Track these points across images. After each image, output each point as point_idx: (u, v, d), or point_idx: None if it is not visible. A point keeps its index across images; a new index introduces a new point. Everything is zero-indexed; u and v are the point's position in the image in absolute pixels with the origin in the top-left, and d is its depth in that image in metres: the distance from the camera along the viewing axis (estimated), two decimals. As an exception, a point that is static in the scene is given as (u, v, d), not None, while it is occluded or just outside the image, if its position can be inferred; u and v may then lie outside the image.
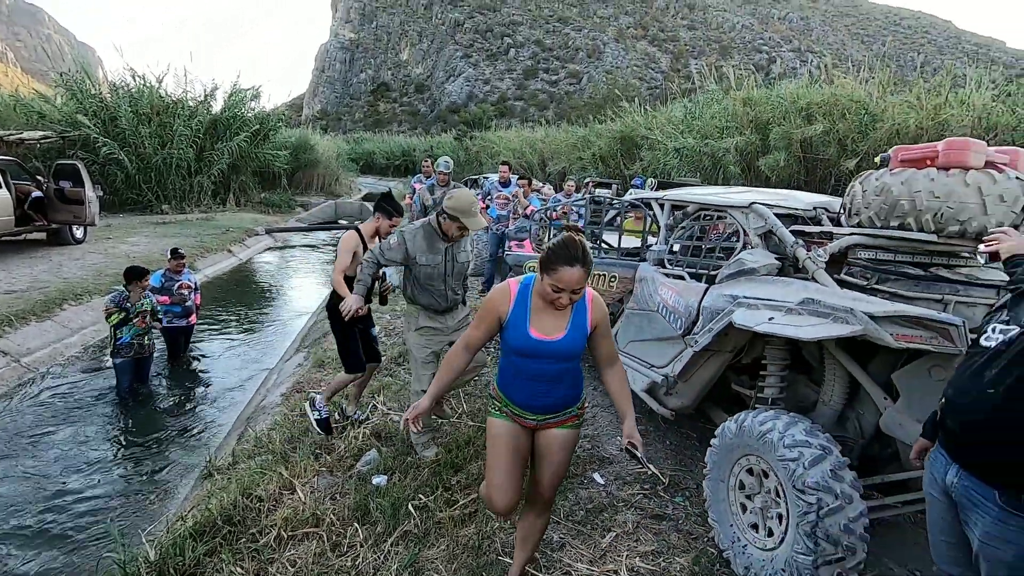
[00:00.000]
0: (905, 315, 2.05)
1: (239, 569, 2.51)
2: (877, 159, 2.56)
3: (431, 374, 3.26)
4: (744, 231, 3.02)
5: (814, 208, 3.06)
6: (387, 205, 3.64)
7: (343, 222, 19.70)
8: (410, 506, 2.86)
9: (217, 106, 18.49)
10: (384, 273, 3.75)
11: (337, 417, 3.95)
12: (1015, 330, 1.49)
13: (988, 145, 2.27)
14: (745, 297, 2.60)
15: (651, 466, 2.30)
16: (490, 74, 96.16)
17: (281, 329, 7.88)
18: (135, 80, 17.26)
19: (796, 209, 3.04)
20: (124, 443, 4.54)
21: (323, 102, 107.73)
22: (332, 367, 5.11)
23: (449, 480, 3.10)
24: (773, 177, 10.44)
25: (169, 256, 5.99)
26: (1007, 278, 1.71)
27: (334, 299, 3.60)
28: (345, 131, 65.53)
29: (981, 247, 1.63)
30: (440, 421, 3.85)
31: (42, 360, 6.10)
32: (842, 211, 2.79)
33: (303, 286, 10.81)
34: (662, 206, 3.78)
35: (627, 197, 4.71)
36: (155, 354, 5.59)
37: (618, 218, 5.12)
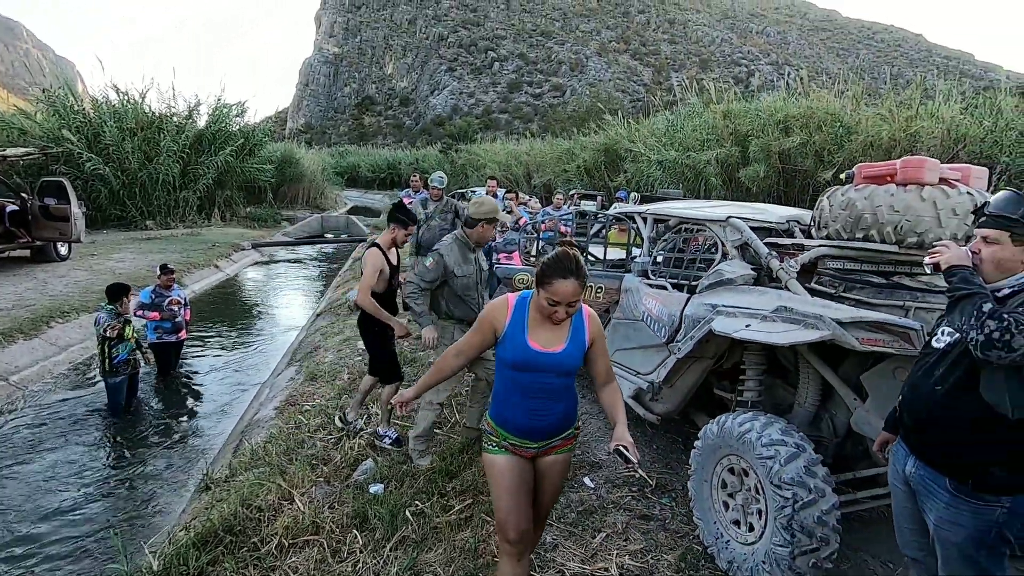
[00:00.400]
0: (869, 320, 2.21)
1: (242, 577, 2.59)
2: (843, 176, 2.74)
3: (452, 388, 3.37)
4: (722, 243, 3.19)
5: (787, 221, 3.24)
6: (401, 215, 3.73)
7: (329, 236, 19.72)
8: (407, 512, 2.95)
9: (201, 121, 18.48)
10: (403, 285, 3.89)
11: (338, 423, 4.02)
12: (958, 334, 1.65)
13: (959, 156, 2.47)
14: (724, 306, 2.76)
15: (639, 470, 2.38)
16: (475, 87, 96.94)
17: (271, 343, 7.91)
18: (118, 95, 17.23)
19: (770, 222, 3.22)
20: (120, 459, 4.57)
21: (307, 116, 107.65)
22: (324, 380, 5.18)
23: (444, 487, 3.20)
24: (754, 188, 10.72)
25: (159, 272, 6.03)
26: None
27: (365, 315, 3.67)
28: (330, 144, 65.47)
29: (926, 259, 1.78)
30: (435, 432, 3.95)
31: (30, 378, 6.09)
32: (812, 224, 2.97)
33: (291, 301, 10.84)
34: (645, 220, 3.94)
35: (612, 211, 4.88)
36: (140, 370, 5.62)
37: (603, 231, 5.29)
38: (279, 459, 3.71)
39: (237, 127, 19.23)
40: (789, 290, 2.71)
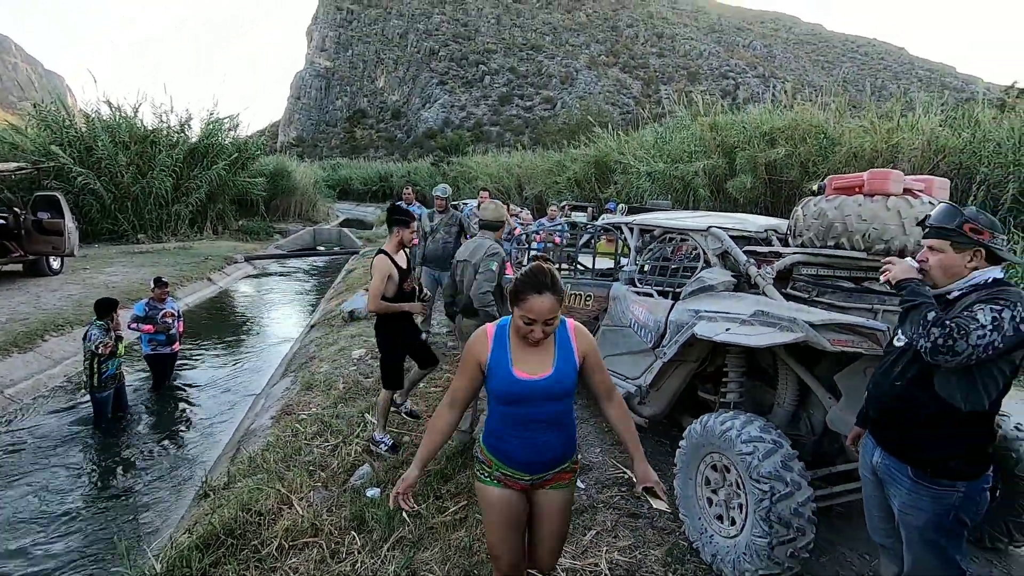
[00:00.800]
0: (839, 323, 2.36)
1: (243, 578, 2.67)
2: (815, 187, 2.90)
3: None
4: (704, 252, 3.34)
5: (765, 230, 3.40)
6: (400, 216, 3.82)
7: (321, 248, 19.81)
8: (404, 514, 3.04)
9: (194, 135, 18.58)
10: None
11: (403, 413, 4.24)
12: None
13: (939, 167, 2.64)
14: (706, 311, 2.90)
15: (629, 470, 2.36)
16: (466, 100, 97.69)
17: (265, 355, 7.97)
18: (111, 109, 17.32)
19: (749, 231, 3.38)
20: (118, 469, 4.63)
21: (299, 129, 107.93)
22: (320, 389, 5.26)
23: (440, 489, 3.29)
24: (741, 199, 10.95)
25: (152, 285, 6.10)
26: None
27: (381, 320, 3.80)
28: (321, 158, 65.63)
29: (881, 278, 1.92)
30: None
31: (25, 391, 6.12)
32: (788, 233, 3.12)
33: (284, 313, 10.90)
34: (632, 230, 4.09)
35: (599, 222, 5.04)
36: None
37: (592, 241, 5.43)
38: (277, 466, 3.78)
39: (229, 140, 19.34)
40: (766, 295, 2.86)
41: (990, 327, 1.60)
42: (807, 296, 2.82)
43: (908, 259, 1.91)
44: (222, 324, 9.75)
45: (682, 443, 2.81)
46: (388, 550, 2.82)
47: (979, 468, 1.79)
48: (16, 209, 10.08)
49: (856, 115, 11.58)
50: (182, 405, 6.06)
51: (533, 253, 7.89)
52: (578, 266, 5.09)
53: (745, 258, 3.06)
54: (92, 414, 5.34)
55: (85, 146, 15.92)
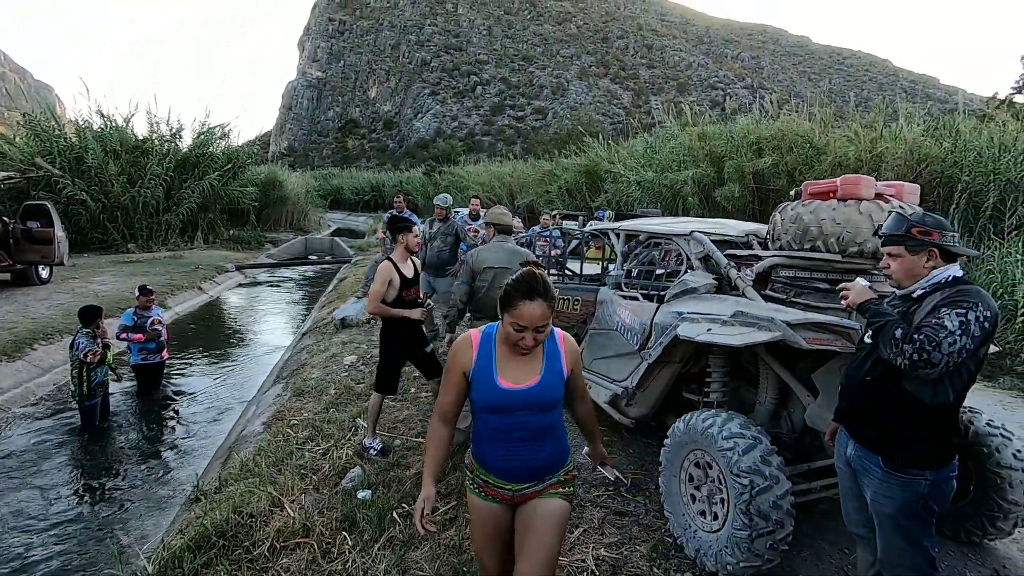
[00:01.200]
0: (815, 322, 2.45)
1: (235, 578, 2.70)
2: (791, 193, 3.01)
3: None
4: (687, 256, 3.44)
5: (746, 235, 3.50)
6: (401, 223, 3.89)
7: (313, 257, 19.81)
8: (395, 514, 3.09)
9: (185, 144, 18.58)
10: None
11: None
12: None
13: (920, 174, 2.75)
14: (688, 313, 2.98)
15: (617, 472, 2.46)
16: (457, 110, 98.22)
17: (256, 363, 7.98)
18: (102, 119, 17.31)
19: (730, 236, 3.48)
20: (108, 476, 4.63)
21: (290, 139, 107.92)
22: (311, 396, 5.29)
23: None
24: (729, 207, 11.11)
25: (137, 293, 6.11)
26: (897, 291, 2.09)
27: (384, 325, 3.87)
28: (313, 167, 65.61)
29: (843, 303, 2.01)
30: (419, 441, 4.09)
31: (14, 400, 6.10)
32: (768, 237, 3.22)
33: (275, 322, 10.89)
34: (618, 235, 4.18)
35: (587, 228, 5.14)
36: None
37: (580, 247, 5.53)
38: (269, 470, 3.81)
39: (220, 149, 19.35)
40: (746, 297, 2.95)
41: (959, 332, 1.67)
42: (785, 297, 2.91)
43: (859, 280, 2.01)
44: (213, 333, 9.74)
45: (667, 441, 2.88)
46: (379, 549, 2.86)
47: (945, 457, 1.88)
48: (5, 218, 10.05)
49: (841, 125, 11.83)
50: (173, 413, 6.06)
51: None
52: (566, 271, 5.18)
53: (726, 261, 3.16)
54: (80, 422, 5.33)
55: (75, 155, 15.89)
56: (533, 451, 1.80)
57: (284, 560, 2.82)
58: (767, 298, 2.94)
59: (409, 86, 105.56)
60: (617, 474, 2.13)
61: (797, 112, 12.17)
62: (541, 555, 1.77)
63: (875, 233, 2.02)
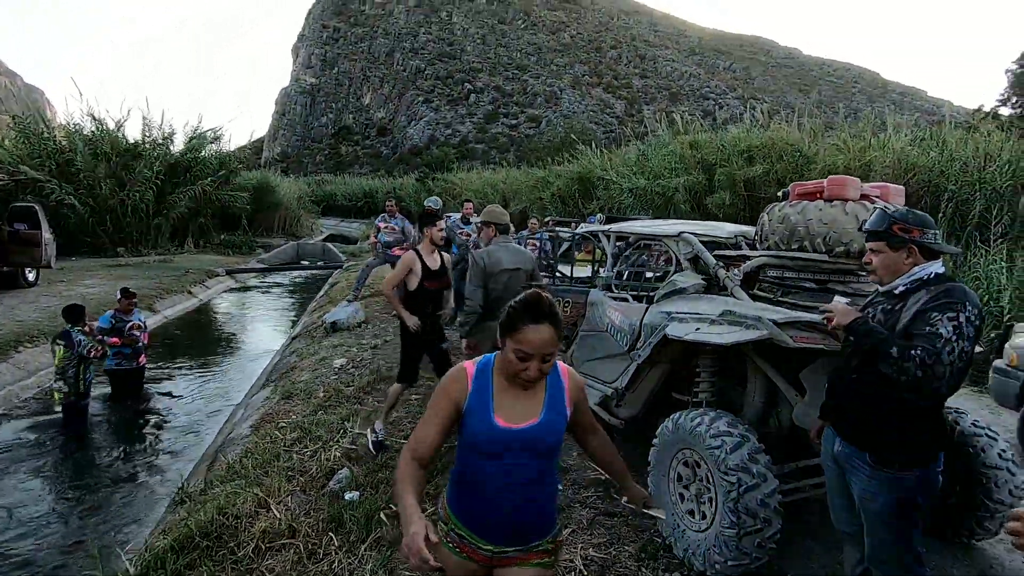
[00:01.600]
0: (802, 320, 2.46)
1: (219, 579, 2.66)
2: (779, 193, 3.03)
3: None
4: (676, 256, 3.45)
5: (734, 236, 3.53)
6: (427, 217, 3.97)
7: (305, 263, 19.72)
8: (382, 515, 3.06)
9: (176, 149, 18.51)
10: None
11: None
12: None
13: (908, 182, 2.78)
14: (677, 312, 2.99)
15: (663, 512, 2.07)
16: (451, 118, 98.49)
17: (245, 366, 7.91)
18: (93, 122, 17.22)
19: (719, 237, 3.51)
20: (93, 478, 4.56)
21: (283, 145, 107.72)
22: (300, 398, 5.25)
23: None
24: (720, 214, 11.19)
25: (119, 296, 5.99)
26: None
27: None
28: (306, 173, 65.47)
29: (828, 326, 1.99)
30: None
31: (-3, 402, 6.01)
32: (756, 237, 3.25)
33: (265, 326, 10.82)
34: (608, 237, 4.20)
35: (579, 230, 5.16)
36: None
37: (571, 250, 5.54)
38: (255, 472, 3.77)
39: (212, 153, 19.29)
40: (734, 296, 2.96)
41: (954, 337, 1.67)
42: (772, 296, 2.93)
43: (838, 299, 2.01)
44: (202, 337, 9.66)
45: (655, 441, 2.88)
46: (366, 550, 2.83)
47: (932, 454, 1.89)
48: (-9, 220, 9.96)
49: (830, 135, 11.99)
50: (159, 416, 5.98)
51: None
52: (557, 274, 5.19)
53: (714, 261, 3.17)
54: (63, 423, 5.26)
55: (65, 158, 15.79)
56: (522, 504, 1.56)
57: (269, 561, 2.79)
58: (755, 298, 2.95)
59: (403, 93, 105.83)
60: (662, 514, 1.87)
61: (787, 122, 12.33)
62: None
63: (859, 229, 2.04)
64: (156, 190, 16.87)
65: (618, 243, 4.15)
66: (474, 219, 8.24)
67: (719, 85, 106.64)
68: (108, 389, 6.08)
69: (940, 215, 8.57)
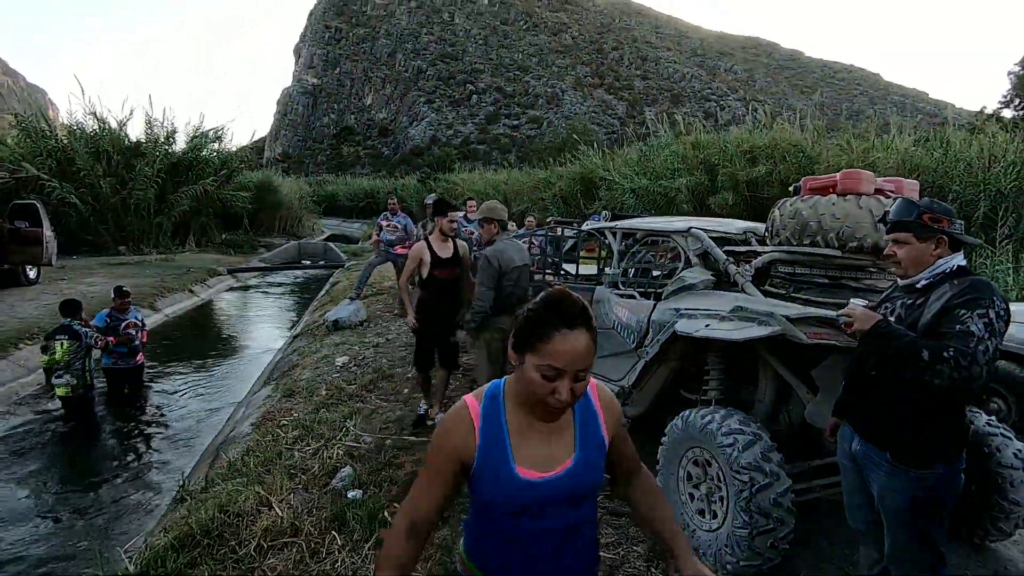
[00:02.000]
0: (816, 316, 2.42)
1: (220, 578, 2.61)
2: (791, 188, 2.99)
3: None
4: (684, 252, 3.41)
5: (744, 232, 3.48)
6: (438, 207, 4.06)
7: (306, 262, 19.68)
8: (386, 513, 3.01)
9: (178, 147, 18.49)
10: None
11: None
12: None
13: None
14: (686, 309, 2.95)
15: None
16: (453, 119, 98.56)
17: (246, 365, 7.87)
18: (96, 121, 17.21)
19: (728, 232, 3.46)
20: (93, 476, 4.52)
21: (285, 145, 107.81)
22: (302, 396, 5.21)
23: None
24: (723, 215, 11.14)
25: (113, 295, 5.97)
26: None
27: (419, 304, 4.02)
28: (308, 173, 65.50)
29: (848, 331, 1.88)
30: (410, 440, 4.02)
31: (-2, 399, 5.97)
32: (766, 233, 3.20)
33: (266, 325, 10.77)
34: (615, 234, 4.15)
35: (584, 227, 5.11)
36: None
37: (576, 247, 5.50)
38: (257, 470, 3.72)
39: (214, 152, 19.28)
40: (745, 292, 2.92)
41: (986, 334, 1.61)
42: (784, 292, 2.88)
43: (855, 301, 1.92)
44: (203, 335, 9.62)
45: (664, 439, 2.84)
46: (369, 549, 2.78)
47: (956, 450, 1.83)
48: (-8, 218, 9.93)
49: (833, 136, 11.95)
50: (162, 414, 5.94)
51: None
52: (561, 272, 5.14)
53: (724, 257, 3.13)
54: (68, 417, 5.24)
55: (66, 157, 15.78)
56: (558, 560, 1.25)
57: (271, 560, 2.74)
58: (766, 294, 2.91)
59: (405, 94, 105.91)
60: None
61: (789, 124, 12.29)
62: None
63: (881, 220, 1.98)
64: (158, 189, 16.85)
65: (625, 240, 4.10)
66: (473, 216, 8.21)
67: (721, 87, 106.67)
68: (105, 388, 6.05)
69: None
